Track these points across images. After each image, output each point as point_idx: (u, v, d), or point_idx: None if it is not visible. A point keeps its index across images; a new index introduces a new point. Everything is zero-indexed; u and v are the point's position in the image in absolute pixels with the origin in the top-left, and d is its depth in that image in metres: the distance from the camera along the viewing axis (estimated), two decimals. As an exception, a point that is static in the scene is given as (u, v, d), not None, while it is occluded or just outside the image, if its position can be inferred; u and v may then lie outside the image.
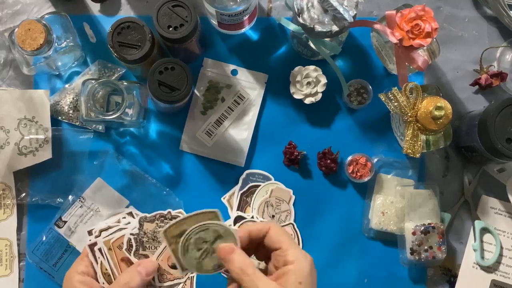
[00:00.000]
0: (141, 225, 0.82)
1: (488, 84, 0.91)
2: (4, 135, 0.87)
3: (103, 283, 0.79)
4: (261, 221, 0.88)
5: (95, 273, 0.79)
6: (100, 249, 0.80)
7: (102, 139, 0.91)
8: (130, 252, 0.81)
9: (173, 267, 0.82)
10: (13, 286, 0.88)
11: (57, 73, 0.91)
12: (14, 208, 0.89)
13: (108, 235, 0.81)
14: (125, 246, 0.81)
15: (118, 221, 0.84)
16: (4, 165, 0.87)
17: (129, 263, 0.81)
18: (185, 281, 0.82)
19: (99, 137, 0.91)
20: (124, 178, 0.89)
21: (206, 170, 0.91)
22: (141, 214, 0.84)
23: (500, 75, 0.91)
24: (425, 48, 0.82)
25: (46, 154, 0.87)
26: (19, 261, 0.89)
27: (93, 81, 0.82)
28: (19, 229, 0.89)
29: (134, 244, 0.81)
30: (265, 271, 0.67)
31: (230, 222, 0.89)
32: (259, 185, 0.90)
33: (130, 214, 0.86)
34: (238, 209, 0.89)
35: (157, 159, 0.91)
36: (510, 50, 0.93)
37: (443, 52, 0.87)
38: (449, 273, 0.91)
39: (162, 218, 0.83)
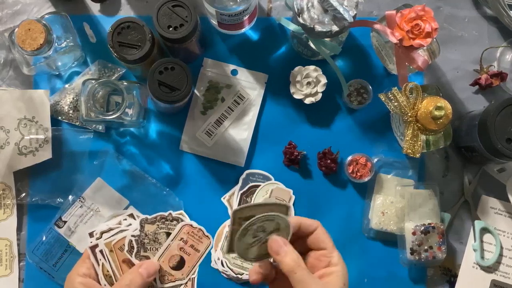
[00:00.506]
0: (142, 226, 0.82)
1: (488, 84, 0.91)
2: (4, 135, 0.87)
3: (105, 285, 0.79)
4: None
5: (97, 275, 0.80)
6: (101, 251, 0.80)
7: (102, 139, 0.91)
8: (132, 254, 0.81)
9: (175, 268, 0.82)
10: (13, 286, 0.88)
11: (57, 73, 0.91)
12: (14, 208, 0.89)
13: (109, 237, 0.81)
14: (126, 248, 0.81)
15: (119, 223, 0.84)
16: (4, 165, 0.87)
17: (130, 264, 0.81)
18: (186, 283, 0.82)
19: (99, 137, 0.90)
20: (124, 178, 0.89)
21: (206, 170, 0.91)
22: (142, 216, 0.84)
23: (500, 75, 0.91)
24: (425, 48, 0.82)
25: (46, 154, 0.87)
26: (19, 261, 0.89)
27: (93, 81, 0.82)
28: (19, 229, 0.89)
29: (135, 246, 0.81)
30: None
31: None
32: (259, 185, 0.90)
33: (131, 215, 0.86)
34: (238, 209, 0.89)
35: (157, 159, 0.91)
36: (510, 50, 0.93)
37: (443, 52, 0.87)
38: (449, 273, 0.91)
39: (163, 220, 0.83)
